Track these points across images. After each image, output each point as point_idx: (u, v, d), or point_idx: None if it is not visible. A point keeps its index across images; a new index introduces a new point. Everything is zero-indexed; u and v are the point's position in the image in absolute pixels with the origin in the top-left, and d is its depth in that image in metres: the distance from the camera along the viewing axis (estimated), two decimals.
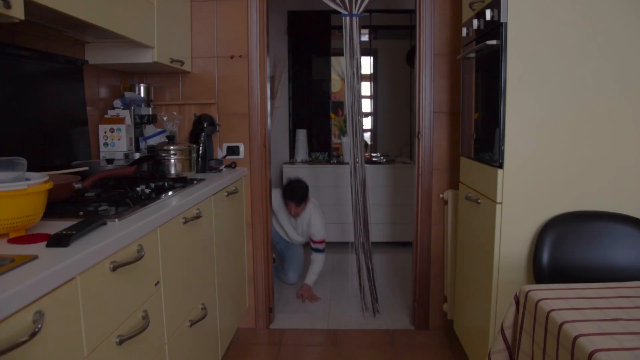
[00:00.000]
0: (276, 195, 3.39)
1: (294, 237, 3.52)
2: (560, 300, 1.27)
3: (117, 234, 1.20)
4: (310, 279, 3.31)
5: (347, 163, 4.31)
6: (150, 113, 2.49)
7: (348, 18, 2.66)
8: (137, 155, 2.33)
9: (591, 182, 1.79)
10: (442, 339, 2.63)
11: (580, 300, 1.27)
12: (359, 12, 2.66)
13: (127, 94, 2.47)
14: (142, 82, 2.65)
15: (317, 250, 3.41)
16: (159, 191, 1.81)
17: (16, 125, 1.74)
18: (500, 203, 1.81)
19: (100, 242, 1.12)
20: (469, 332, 2.25)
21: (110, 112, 2.37)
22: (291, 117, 4.87)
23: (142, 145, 2.51)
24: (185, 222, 1.71)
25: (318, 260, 3.39)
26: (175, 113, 2.51)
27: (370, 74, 5.19)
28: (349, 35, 2.67)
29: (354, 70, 2.72)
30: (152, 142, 2.52)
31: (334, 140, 5.00)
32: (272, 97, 4.15)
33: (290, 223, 3.48)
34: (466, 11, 2.21)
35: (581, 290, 1.35)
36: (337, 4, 2.64)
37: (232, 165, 2.65)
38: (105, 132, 2.30)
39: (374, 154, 4.84)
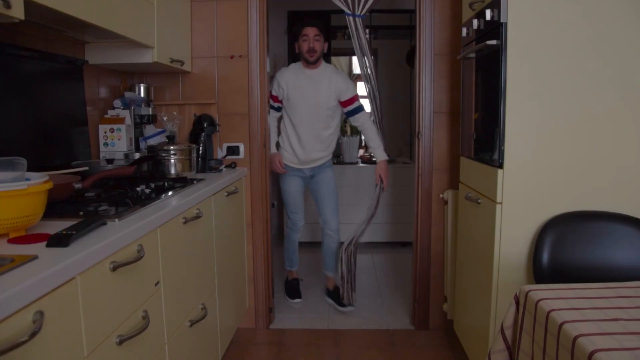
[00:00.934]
0: (284, 70, 2.83)
1: (315, 114, 2.76)
2: (560, 300, 1.27)
3: (117, 234, 1.20)
4: (381, 151, 2.82)
5: (348, 163, 4.33)
6: (150, 113, 2.49)
7: (351, 18, 2.67)
8: (137, 155, 2.33)
9: (591, 182, 1.79)
10: (442, 339, 2.63)
11: (580, 300, 1.27)
12: (362, 14, 2.67)
13: (127, 94, 2.47)
14: (142, 82, 2.65)
15: (357, 110, 2.81)
16: (159, 191, 1.81)
17: (16, 125, 1.74)
18: (500, 203, 1.81)
19: (100, 242, 1.12)
20: (469, 332, 2.25)
21: (110, 112, 2.37)
22: None
23: (142, 145, 2.51)
24: (185, 222, 1.71)
25: (367, 122, 2.81)
26: (175, 113, 2.51)
27: None
28: (356, 35, 2.68)
29: (365, 68, 2.75)
30: (152, 142, 2.52)
31: None
32: None
33: (307, 89, 2.75)
34: (466, 11, 2.21)
35: (581, 290, 1.35)
36: (342, 3, 2.65)
37: (232, 165, 2.65)
38: (105, 132, 2.30)
39: None
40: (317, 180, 2.97)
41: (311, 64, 2.76)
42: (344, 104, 2.81)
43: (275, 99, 2.86)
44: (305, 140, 2.83)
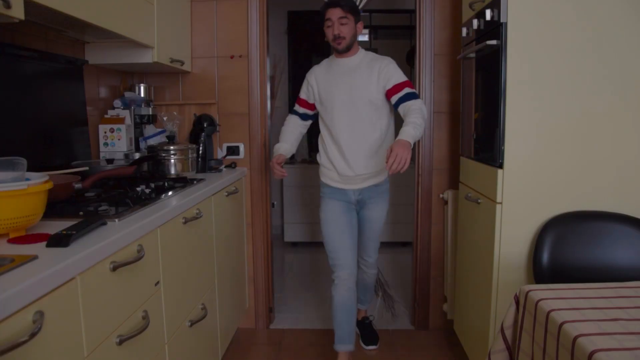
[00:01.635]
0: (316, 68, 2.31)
1: (357, 99, 2.14)
2: (560, 300, 1.27)
3: (117, 234, 1.20)
4: (409, 132, 1.91)
5: None
6: (150, 113, 2.49)
7: None
8: (137, 155, 2.33)
9: (591, 182, 1.79)
10: (442, 339, 2.63)
11: (580, 300, 1.27)
12: None
13: (127, 94, 2.47)
14: (142, 82, 2.65)
15: (410, 97, 2.07)
16: (159, 191, 1.81)
17: (16, 125, 1.74)
18: (500, 203, 1.81)
19: (100, 242, 1.12)
20: (469, 332, 2.25)
21: (110, 112, 2.37)
22: None
23: (142, 145, 2.51)
24: (185, 222, 1.71)
25: (416, 107, 2.01)
26: (175, 113, 2.51)
27: None
28: None
29: None
30: (152, 142, 2.52)
31: None
32: (272, 97, 4.15)
33: (341, 81, 2.17)
34: (466, 11, 2.22)
35: (581, 290, 1.35)
36: None
37: (232, 165, 2.65)
38: (105, 132, 2.30)
39: None
40: (366, 217, 2.31)
41: (342, 52, 2.18)
42: (391, 92, 2.12)
43: (303, 103, 2.32)
44: (346, 148, 2.16)
